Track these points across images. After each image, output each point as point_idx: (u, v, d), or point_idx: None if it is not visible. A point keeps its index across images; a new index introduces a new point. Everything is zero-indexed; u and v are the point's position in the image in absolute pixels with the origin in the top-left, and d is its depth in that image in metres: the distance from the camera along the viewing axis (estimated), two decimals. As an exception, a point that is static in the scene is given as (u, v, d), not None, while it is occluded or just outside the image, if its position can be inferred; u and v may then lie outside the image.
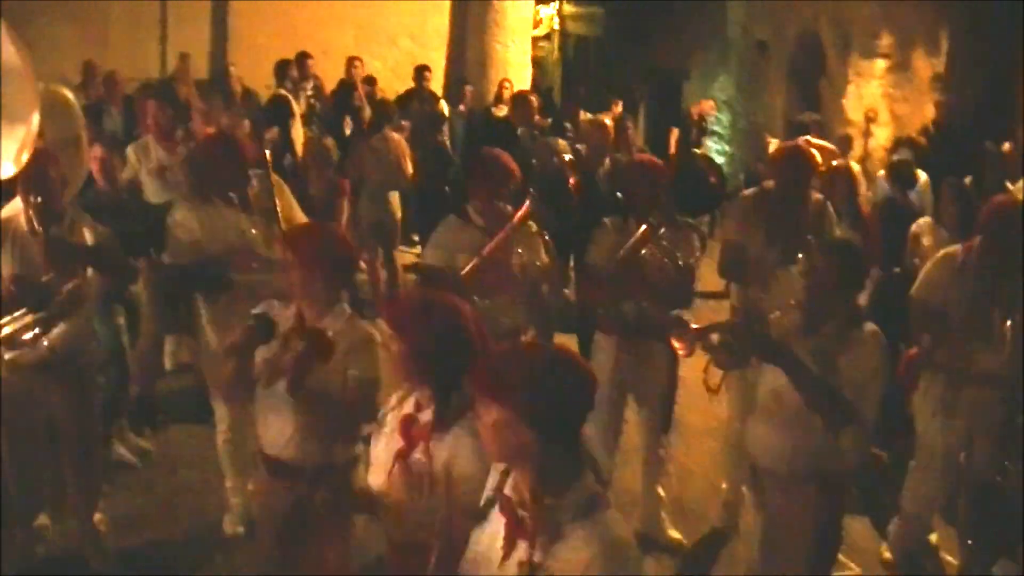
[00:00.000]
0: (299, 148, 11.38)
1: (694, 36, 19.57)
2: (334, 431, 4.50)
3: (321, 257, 4.47)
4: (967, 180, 8.35)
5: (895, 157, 11.24)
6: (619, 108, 15.03)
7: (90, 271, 5.65)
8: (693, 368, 5.11)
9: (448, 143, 13.56)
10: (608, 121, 10.20)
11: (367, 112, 13.19)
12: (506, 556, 2.98)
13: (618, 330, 6.32)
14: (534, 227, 6.15)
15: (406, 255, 11.67)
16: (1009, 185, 9.18)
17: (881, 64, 15.38)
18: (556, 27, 21.20)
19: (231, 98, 12.25)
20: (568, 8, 21.50)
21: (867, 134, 14.68)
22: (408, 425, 3.76)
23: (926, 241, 7.63)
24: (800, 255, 5.98)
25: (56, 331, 5.38)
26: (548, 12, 21.02)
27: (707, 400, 7.09)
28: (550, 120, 14.22)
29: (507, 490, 3.06)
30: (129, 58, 14.35)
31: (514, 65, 16.73)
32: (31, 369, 5.45)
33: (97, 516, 6.07)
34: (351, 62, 14.44)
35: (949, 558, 6.42)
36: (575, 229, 7.02)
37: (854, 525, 6.45)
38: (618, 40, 20.64)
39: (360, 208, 10.58)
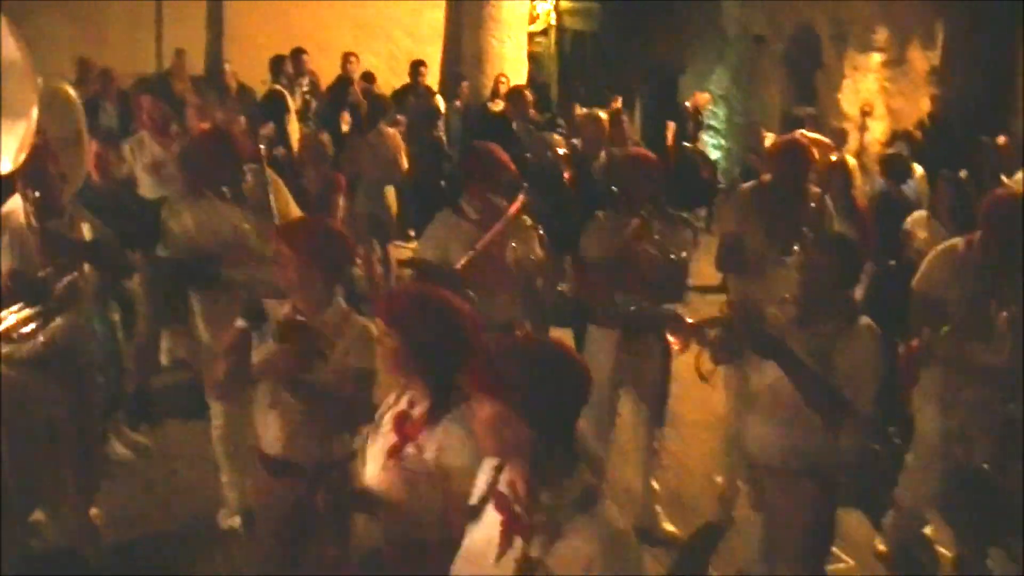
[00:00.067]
0: (295, 143, 11.39)
1: (690, 30, 19.58)
2: (332, 427, 4.50)
3: (316, 251, 4.47)
4: (962, 174, 8.34)
5: (889, 151, 11.25)
6: (618, 103, 15.06)
7: (87, 267, 5.66)
8: (688, 362, 5.10)
9: (444, 138, 13.57)
10: (603, 115, 10.20)
11: (364, 108, 13.20)
12: (502, 553, 2.97)
13: (611, 323, 6.33)
14: (528, 221, 6.17)
15: (402, 250, 11.66)
16: (1004, 178, 9.18)
17: (877, 58, 15.41)
18: (553, 22, 21.15)
19: (226, 94, 12.26)
20: (565, 3, 21.45)
21: (863, 128, 14.69)
22: (401, 421, 3.77)
23: (921, 234, 7.62)
24: (796, 248, 6.00)
25: (53, 326, 5.38)
26: (545, 7, 20.98)
27: (703, 394, 7.14)
28: (549, 115, 14.24)
29: (501, 486, 3.06)
30: (125, 54, 14.36)
31: (510, 60, 16.70)
32: (28, 364, 5.45)
33: (93, 511, 6.08)
34: (347, 58, 14.44)
35: (943, 551, 6.43)
36: (571, 223, 7.02)
37: (848, 518, 6.46)
38: (614, 35, 20.63)
39: (355, 203, 10.58)
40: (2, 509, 5.45)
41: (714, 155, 18.44)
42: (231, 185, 6.15)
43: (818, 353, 4.67)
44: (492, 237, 5.89)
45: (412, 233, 12.39)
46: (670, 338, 5.07)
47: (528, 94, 12.24)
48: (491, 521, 3.05)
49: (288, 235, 4.64)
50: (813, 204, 6.86)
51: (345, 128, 12.59)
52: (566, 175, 8.73)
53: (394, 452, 3.73)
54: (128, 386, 7.45)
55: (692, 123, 17.34)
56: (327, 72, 14.47)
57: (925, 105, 14.66)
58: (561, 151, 9.45)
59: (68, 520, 6.02)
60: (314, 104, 13.69)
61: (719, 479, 6.88)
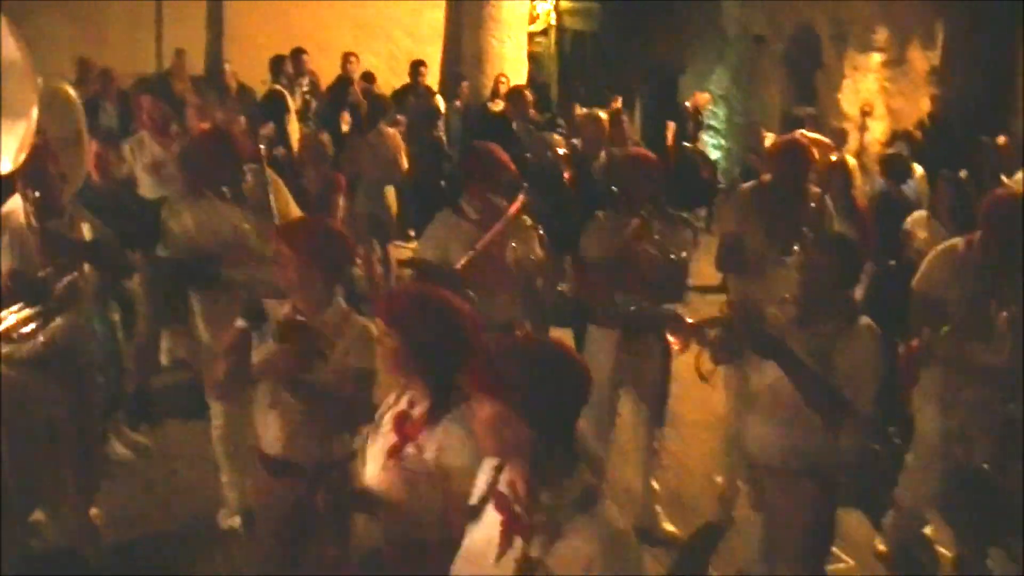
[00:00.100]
0: (294, 143, 11.40)
1: (690, 30, 19.58)
2: (332, 427, 4.49)
3: (317, 252, 4.47)
4: (962, 174, 8.35)
5: (889, 151, 11.26)
6: (618, 103, 15.06)
7: (87, 267, 5.66)
8: (688, 362, 5.10)
9: (444, 138, 13.57)
10: (603, 115, 10.21)
11: (364, 107, 13.20)
12: (502, 553, 2.97)
13: (611, 323, 6.33)
14: (528, 221, 6.18)
15: (402, 250, 11.67)
16: (1004, 178, 9.18)
17: (877, 58, 15.41)
18: (553, 22, 21.16)
19: (226, 94, 12.26)
20: (564, 3, 21.46)
21: (863, 128, 14.70)
22: (401, 421, 3.77)
23: (921, 234, 7.62)
24: (796, 248, 6.00)
25: (52, 326, 5.39)
26: (545, 7, 20.98)
27: (703, 394, 7.14)
28: (549, 115, 14.24)
29: (501, 486, 3.06)
30: (125, 54, 14.36)
31: (510, 60, 16.71)
32: (28, 364, 5.45)
33: (93, 511, 6.08)
34: (347, 58, 14.45)
35: (943, 551, 6.44)
36: (571, 223, 7.03)
37: (848, 518, 6.46)
38: (614, 35, 20.63)
39: (356, 203, 10.58)
40: (2, 509, 5.45)
41: (714, 155, 18.45)
42: (231, 185, 6.15)
43: (818, 353, 4.67)
44: (492, 237, 5.90)
45: (412, 233, 12.40)
46: (670, 338, 5.07)
47: (528, 94, 12.26)
48: (491, 521, 3.04)
49: (288, 235, 4.64)
50: (813, 204, 6.86)
51: (345, 128, 12.60)
52: (566, 175, 8.74)
53: (394, 452, 3.73)
54: (128, 386, 7.45)
55: (692, 123, 17.35)
56: (327, 72, 14.47)
57: (925, 105, 14.66)
58: (561, 151, 9.45)
59: (68, 520, 6.02)
60: (314, 104, 13.69)
61: (719, 479, 6.88)
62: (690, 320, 5.12)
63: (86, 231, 5.65)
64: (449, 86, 15.97)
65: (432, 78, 15.88)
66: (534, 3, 19.95)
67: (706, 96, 17.95)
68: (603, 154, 9.21)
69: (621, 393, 6.51)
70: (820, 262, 4.83)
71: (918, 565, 6.43)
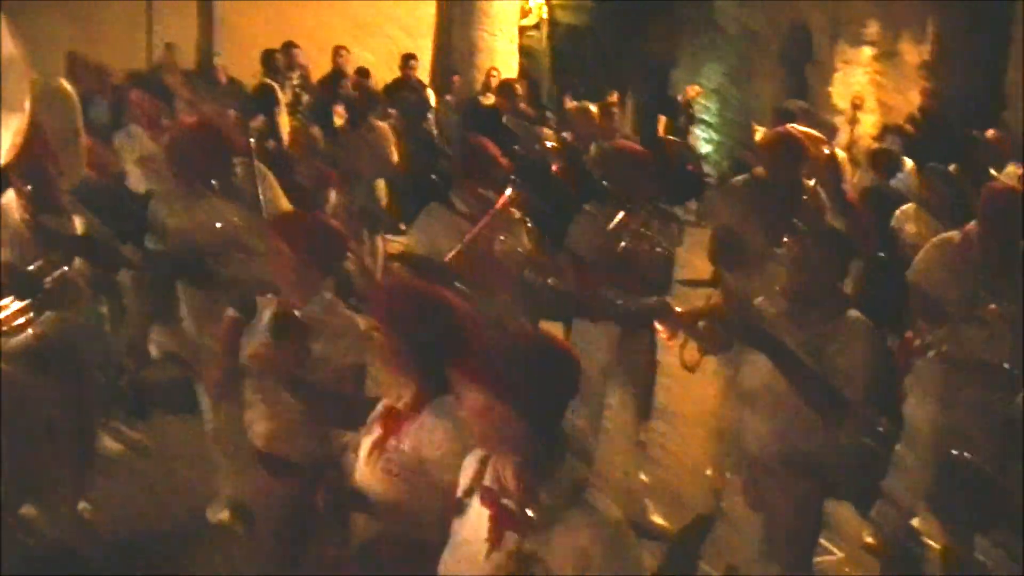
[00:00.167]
0: (285, 137, 11.37)
1: (682, 24, 19.57)
2: (322, 423, 4.49)
3: (308, 246, 4.47)
4: (952, 167, 8.36)
5: (876, 145, 11.27)
6: (614, 97, 15.09)
7: (78, 261, 5.66)
8: (678, 356, 5.11)
9: (435, 132, 13.57)
10: (593, 108, 10.22)
11: (356, 101, 13.19)
12: (493, 547, 2.97)
13: (598, 316, 6.34)
14: (517, 214, 6.18)
15: (392, 243, 11.66)
16: (993, 172, 9.18)
17: (868, 52, 15.42)
18: (545, 16, 21.13)
19: (216, 87, 12.25)
20: (557, -2, 21.48)
21: (854, 121, 14.70)
22: (387, 415, 3.78)
23: (911, 227, 7.64)
24: (786, 240, 6.02)
25: (44, 319, 5.39)
26: (537, 1, 20.96)
27: (693, 388, 7.15)
28: (541, 109, 14.25)
29: (487, 480, 3.06)
30: (116, 49, 14.32)
31: (501, 54, 16.74)
32: (20, 358, 5.45)
33: (82, 505, 6.08)
34: (337, 51, 14.46)
35: (931, 543, 6.45)
36: (560, 216, 7.04)
37: (837, 509, 6.46)
38: (607, 29, 20.62)
39: (347, 197, 10.57)
40: (2, 507, 5.47)
41: (706, 149, 18.45)
42: (220, 178, 6.16)
43: (808, 345, 4.69)
44: (479, 230, 5.91)
45: (403, 227, 12.39)
46: (658, 326, 5.08)
47: (518, 87, 12.30)
48: (478, 516, 3.04)
49: (280, 229, 4.65)
50: (806, 197, 6.86)
51: (339, 121, 12.59)
52: (555, 168, 8.75)
53: (377, 445, 3.75)
54: (119, 381, 7.45)
55: (684, 117, 17.35)
56: (320, 66, 14.47)
57: (916, 99, 14.67)
58: (550, 144, 9.47)
59: (59, 514, 6.02)
60: (305, 98, 13.68)
61: (709, 472, 6.89)
62: (679, 309, 5.13)
63: (78, 225, 5.65)
64: (441, 80, 15.97)
65: (424, 72, 15.88)
66: (526, -3, 19.95)
67: (696, 89, 17.95)
68: (593, 147, 9.23)
69: (609, 386, 6.53)
70: (810, 255, 4.84)
71: (906, 557, 6.44)
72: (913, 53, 15.28)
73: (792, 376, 4.65)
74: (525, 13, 19.37)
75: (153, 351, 8.53)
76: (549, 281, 6.11)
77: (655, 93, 19.27)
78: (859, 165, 11.52)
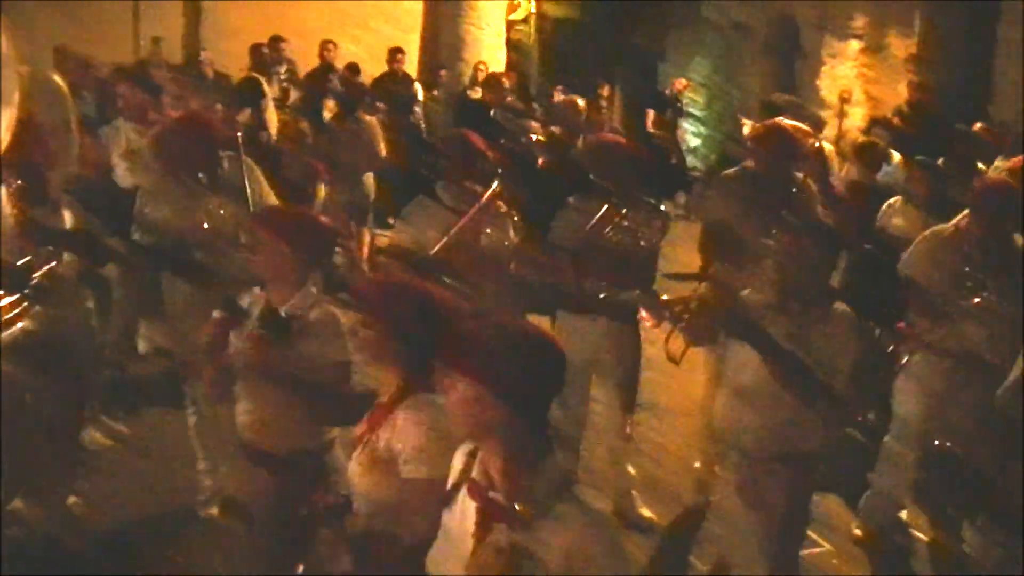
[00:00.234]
0: (273, 130, 11.35)
1: (670, 18, 19.57)
2: (307, 417, 4.48)
3: (295, 240, 4.47)
4: (940, 161, 8.38)
5: (861, 138, 11.29)
6: (605, 91, 15.10)
7: (67, 255, 5.65)
8: (663, 348, 5.12)
9: (422, 125, 13.57)
10: (580, 102, 10.23)
11: (343, 95, 13.18)
12: (479, 540, 2.96)
13: (582, 309, 6.34)
14: (503, 207, 6.19)
15: (380, 237, 11.66)
16: (982, 165, 9.20)
17: (855, 45, 15.44)
18: (533, 10, 21.11)
19: (203, 81, 12.23)
20: (545, -9, 21.45)
21: (842, 115, 14.71)
22: (374, 409, 3.78)
23: (898, 220, 7.65)
24: (774, 232, 6.02)
25: (32, 313, 5.37)
26: (526, -5, 20.97)
27: (681, 380, 7.15)
28: (533, 104, 14.25)
29: (474, 474, 3.05)
30: (103, 43, 14.28)
31: (489, 48, 16.72)
32: (8, 352, 5.43)
33: (71, 500, 6.07)
34: (324, 45, 14.44)
35: (919, 534, 6.48)
36: (548, 209, 7.05)
37: (825, 501, 6.48)
38: (595, 22, 20.61)
39: (336, 190, 10.57)
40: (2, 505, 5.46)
41: (694, 142, 18.47)
42: (207, 172, 6.15)
43: (794, 337, 4.69)
44: (465, 223, 5.92)
45: (392, 221, 12.38)
46: (643, 314, 5.08)
47: (505, 81, 12.30)
48: (466, 509, 3.03)
49: (267, 222, 4.65)
50: (795, 190, 6.87)
51: (328, 115, 12.58)
52: (541, 162, 8.75)
53: (359, 439, 3.75)
54: (105, 373, 7.44)
55: (671, 110, 17.37)
56: (308, 61, 14.45)
57: (904, 92, 14.67)
58: (536, 137, 9.47)
59: (49, 509, 6.01)
60: (292, 91, 13.66)
61: (697, 465, 6.90)
62: (664, 297, 5.13)
63: (67, 219, 5.64)
64: (429, 74, 15.96)
65: (412, 66, 15.87)
66: (514, -10, 19.91)
67: (683, 81, 17.97)
68: (580, 141, 9.23)
69: (593, 377, 6.53)
70: (799, 248, 4.84)
71: (894, 549, 6.46)
72: (901, 47, 15.29)
73: (777, 367, 4.66)
74: (514, 7, 19.35)
75: (141, 345, 8.53)
76: (534, 274, 6.12)
77: (643, 87, 19.28)
78: (847, 158, 11.53)
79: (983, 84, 14.25)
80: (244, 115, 10.87)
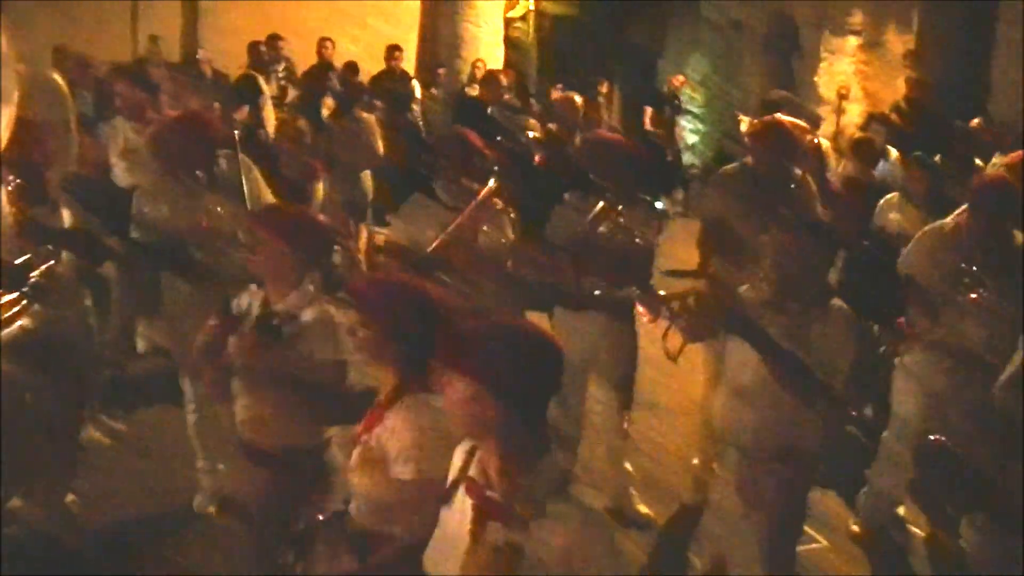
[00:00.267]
0: (270, 129, 11.37)
1: (669, 15, 19.60)
2: (303, 415, 4.48)
3: (292, 239, 4.47)
4: (937, 157, 8.39)
5: (857, 134, 11.29)
6: (605, 88, 15.10)
7: (66, 253, 5.66)
8: (661, 344, 5.11)
9: (420, 123, 13.57)
10: (578, 99, 10.23)
11: (341, 93, 13.18)
12: (476, 540, 2.96)
13: (578, 306, 6.34)
14: (500, 204, 6.19)
15: (378, 235, 11.66)
16: (979, 162, 9.22)
17: (853, 41, 15.44)
18: (531, 7, 21.12)
19: (201, 79, 12.23)
20: (543, -11, 21.46)
21: (840, 111, 14.73)
22: (373, 408, 3.79)
23: (895, 216, 7.66)
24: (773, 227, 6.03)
25: (31, 312, 5.38)
26: (524, -8, 20.98)
27: (679, 377, 7.16)
28: (531, 101, 14.25)
29: (472, 471, 3.06)
30: (101, 42, 14.29)
31: (487, 45, 16.73)
32: (7, 351, 5.44)
33: (70, 498, 6.07)
34: (322, 43, 14.44)
35: (916, 531, 6.48)
36: (545, 207, 7.06)
37: (822, 498, 6.49)
38: (593, 20, 20.62)
39: (334, 188, 10.57)
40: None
41: (692, 139, 18.48)
42: (205, 170, 6.15)
43: (791, 334, 4.69)
44: (462, 221, 5.92)
45: (390, 219, 12.38)
46: (640, 309, 5.08)
47: (503, 78, 12.30)
48: (464, 507, 3.03)
49: (264, 221, 4.65)
50: (794, 186, 6.87)
51: (326, 113, 12.59)
52: (537, 159, 8.75)
53: (356, 439, 3.76)
54: (104, 372, 7.44)
55: (669, 107, 17.38)
56: (306, 59, 14.45)
57: (902, 88, 14.67)
58: (532, 135, 9.47)
59: (48, 507, 6.01)
60: (290, 90, 13.66)
61: (695, 461, 6.91)
62: (661, 292, 5.13)
63: (66, 218, 5.65)
64: (426, 72, 15.96)
65: (410, 64, 15.87)
66: (512, -12, 19.92)
67: (680, 78, 17.98)
68: (578, 138, 9.23)
69: (591, 376, 6.53)
70: (796, 245, 4.84)
71: (892, 545, 6.47)
72: (898, 43, 15.30)
73: (775, 365, 4.66)
74: (512, 4, 19.36)
75: (139, 344, 8.54)
76: (531, 272, 6.12)
77: (642, 84, 19.29)
78: (844, 155, 11.54)
79: (981, 80, 14.26)
80: (242, 113, 10.89)
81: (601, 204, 6.13)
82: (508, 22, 18.82)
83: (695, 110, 18.65)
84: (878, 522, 6.50)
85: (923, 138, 10.41)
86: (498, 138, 9.64)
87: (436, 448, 3.44)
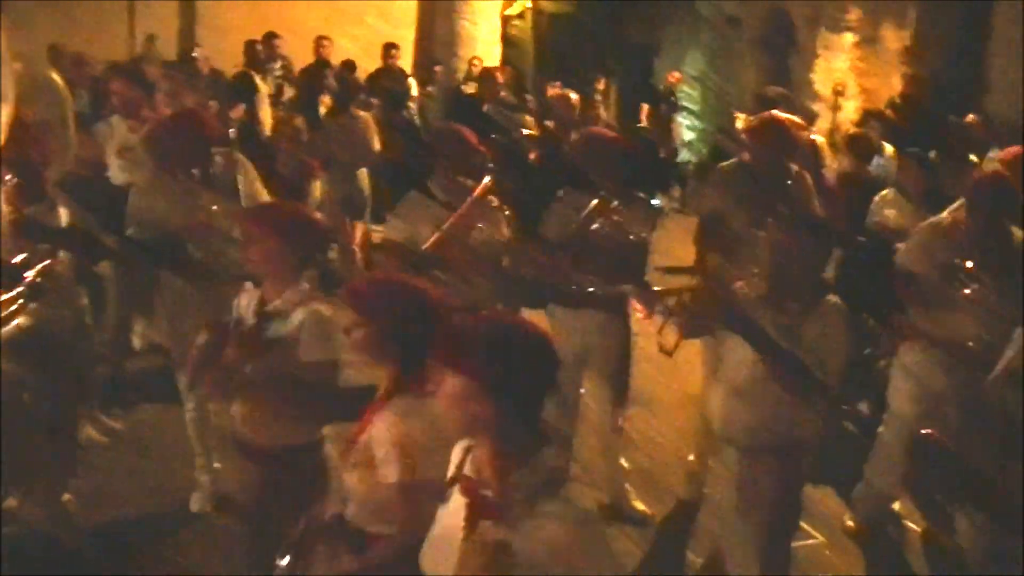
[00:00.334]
0: (267, 127, 11.38)
1: (666, 12, 19.60)
2: (297, 412, 4.49)
3: (286, 237, 4.48)
4: (932, 153, 8.40)
5: (856, 130, 11.31)
6: (602, 84, 15.11)
7: (63, 252, 5.67)
8: (656, 340, 5.13)
9: (416, 120, 13.58)
10: (574, 96, 10.25)
11: (337, 91, 13.18)
12: (467, 536, 2.96)
13: (572, 302, 6.35)
14: (495, 201, 6.20)
15: (375, 233, 11.66)
16: (974, 158, 9.22)
17: (849, 38, 15.44)
18: (529, 5, 21.12)
19: (196, 78, 12.23)
20: (541, -14, 21.45)
21: (835, 108, 14.74)
22: (369, 407, 3.80)
23: (890, 212, 7.67)
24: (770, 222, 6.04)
25: (29, 310, 5.38)
26: (522, -10, 20.97)
27: (674, 373, 7.17)
28: (527, 98, 14.26)
29: (467, 469, 3.06)
30: (98, 40, 14.30)
31: (483, 43, 16.75)
32: (6, 349, 5.45)
33: (66, 497, 6.08)
34: (319, 41, 14.43)
35: (912, 525, 6.50)
36: (540, 204, 7.07)
37: (818, 493, 6.50)
38: (591, 17, 20.63)
39: (331, 186, 10.58)
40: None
41: (688, 136, 18.48)
42: (200, 168, 6.16)
43: (785, 329, 4.70)
44: (457, 218, 5.93)
45: (387, 217, 12.38)
46: (635, 304, 5.08)
47: (499, 76, 12.29)
48: (458, 505, 3.03)
49: (261, 219, 4.65)
50: (790, 182, 6.88)
51: (323, 110, 12.59)
52: (532, 156, 8.76)
53: (351, 439, 3.77)
54: (101, 371, 7.45)
55: (665, 104, 17.39)
56: (304, 57, 14.46)
57: (898, 84, 14.69)
58: (527, 132, 9.48)
59: (44, 506, 6.02)
60: (287, 88, 13.67)
61: (691, 458, 6.92)
62: (656, 288, 5.14)
63: (63, 216, 5.65)
64: (423, 69, 15.97)
65: (408, 62, 15.88)
66: (510, -14, 19.92)
67: (676, 75, 18.00)
68: (573, 134, 9.24)
69: (585, 373, 6.55)
70: (792, 241, 4.85)
71: (888, 541, 6.49)
72: (894, 39, 15.30)
73: (770, 360, 4.67)
74: (510, 2, 19.36)
75: (136, 341, 8.54)
76: (526, 268, 6.12)
77: (638, 81, 19.30)
78: (840, 151, 11.56)
79: (977, 77, 14.27)
80: (238, 112, 10.89)
81: (595, 201, 6.14)
82: (506, 20, 18.82)
83: (691, 107, 18.66)
84: (874, 518, 6.51)
85: (919, 134, 10.42)
86: (492, 136, 9.64)
87: (419, 452, 3.48)
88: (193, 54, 14.25)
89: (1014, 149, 7.63)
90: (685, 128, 18.44)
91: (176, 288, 6.16)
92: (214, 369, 4.49)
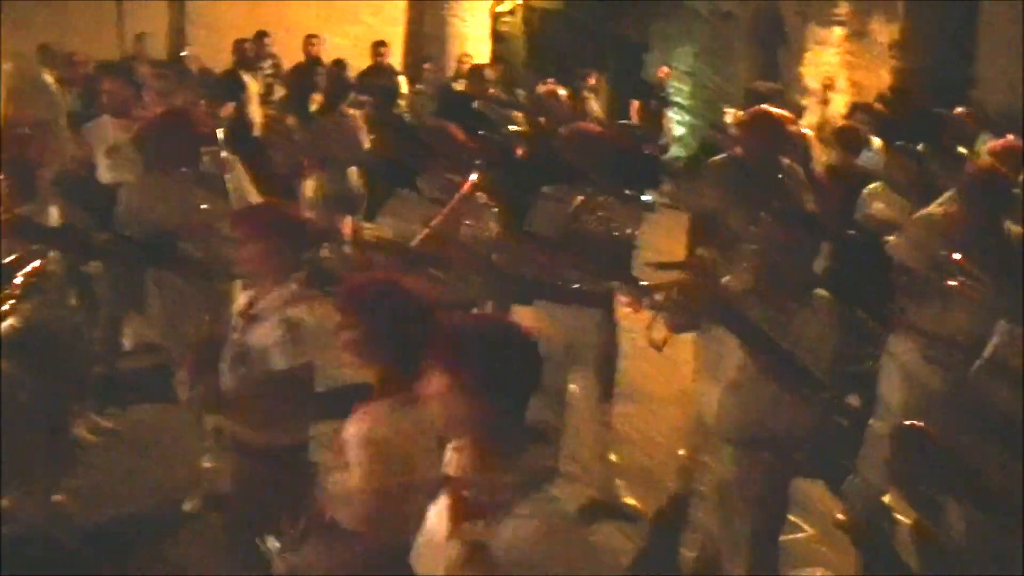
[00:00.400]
0: (257, 126, 11.38)
1: (656, 8, 19.59)
2: (273, 412, 4.48)
3: (271, 234, 4.49)
4: (920, 146, 8.42)
5: (844, 123, 11.32)
6: (593, 80, 15.11)
7: (53, 251, 5.67)
8: (645, 334, 5.13)
9: (406, 118, 13.58)
10: (563, 92, 10.27)
11: (328, 89, 13.18)
12: (450, 535, 2.96)
13: (561, 298, 6.34)
14: (483, 198, 6.20)
15: (365, 230, 11.64)
16: (963, 150, 9.25)
17: (839, 32, 15.46)
18: (520, 2, 21.14)
19: (186, 77, 12.23)
20: (531, -18, 21.45)
21: (825, 101, 14.75)
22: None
23: (878, 205, 7.68)
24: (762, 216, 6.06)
25: (20, 310, 5.39)
26: (512, -13, 20.98)
27: (664, 367, 7.17)
28: (517, 94, 14.26)
29: (451, 468, 3.07)
30: (88, 39, 14.27)
31: (473, 39, 16.74)
32: (2, 348, 5.46)
33: (58, 497, 6.09)
34: (309, 40, 14.41)
35: (902, 519, 6.51)
36: (529, 199, 7.08)
37: (808, 486, 6.51)
38: (582, 12, 20.64)
39: (322, 184, 10.58)
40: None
41: (679, 131, 18.49)
42: (189, 166, 6.17)
43: (774, 323, 4.71)
44: (445, 215, 5.94)
45: (377, 214, 12.39)
46: (623, 299, 5.09)
47: (488, 72, 12.30)
48: (444, 503, 3.05)
49: (250, 219, 4.66)
50: (781, 176, 6.89)
51: (314, 108, 12.59)
52: (520, 152, 8.76)
53: (336, 441, 3.79)
54: (93, 370, 7.45)
55: (656, 99, 17.39)
56: (294, 55, 14.45)
57: (887, 78, 14.73)
58: (515, 128, 9.49)
59: (37, 505, 6.02)
60: (277, 87, 13.66)
61: (682, 452, 6.92)
62: (644, 282, 5.14)
63: (54, 215, 5.66)
64: (413, 67, 15.97)
65: (397, 59, 15.87)
66: (503, -18, 19.94)
67: (665, 70, 18.01)
68: (562, 130, 9.24)
69: (571, 369, 6.55)
70: (784, 235, 4.86)
71: (878, 533, 6.50)
72: (883, 32, 15.33)
73: (759, 354, 4.68)
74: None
75: (127, 340, 8.54)
76: (514, 264, 6.13)
77: (629, 76, 19.30)
78: (829, 144, 11.57)
79: (966, 70, 14.29)
80: (227, 110, 10.89)
81: (582, 196, 6.14)
82: (497, 16, 18.84)
83: (682, 101, 18.66)
84: (864, 511, 6.51)
85: (908, 127, 10.43)
86: (480, 132, 9.65)
87: (389, 457, 3.50)
88: (183, 53, 14.24)
89: (1005, 140, 7.65)
90: (676, 123, 18.45)
91: (174, 287, 6.17)
92: (207, 376, 4.50)
